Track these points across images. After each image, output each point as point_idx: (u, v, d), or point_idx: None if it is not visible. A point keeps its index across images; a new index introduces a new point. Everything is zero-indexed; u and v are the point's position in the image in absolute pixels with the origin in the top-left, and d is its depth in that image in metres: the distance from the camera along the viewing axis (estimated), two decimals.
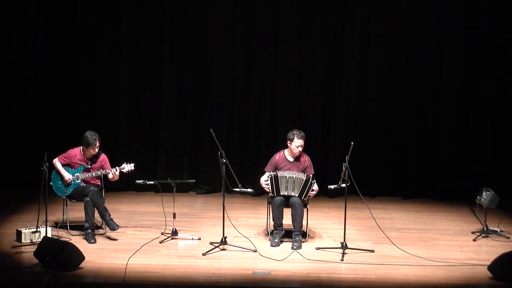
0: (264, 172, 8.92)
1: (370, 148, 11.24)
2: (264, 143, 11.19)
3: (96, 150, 8.87)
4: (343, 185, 8.43)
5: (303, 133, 8.75)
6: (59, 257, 7.49)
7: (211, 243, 8.51)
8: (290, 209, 8.64)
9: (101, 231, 8.96)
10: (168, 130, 11.32)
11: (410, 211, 10.56)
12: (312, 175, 8.73)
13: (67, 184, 8.86)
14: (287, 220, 8.72)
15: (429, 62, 11.19)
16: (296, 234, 8.58)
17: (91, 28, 11.10)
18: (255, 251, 8.35)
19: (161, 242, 8.68)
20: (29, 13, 11.06)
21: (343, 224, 8.50)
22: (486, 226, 9.20)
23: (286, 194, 8.64)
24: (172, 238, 8.80)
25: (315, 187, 8.69)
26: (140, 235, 8.95)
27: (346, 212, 8.51)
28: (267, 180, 8.68)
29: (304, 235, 8.76)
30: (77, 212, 9.19)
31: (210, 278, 7.56)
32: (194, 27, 11.15)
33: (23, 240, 8.40)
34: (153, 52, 11.20)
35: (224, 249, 8.40)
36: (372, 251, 8.49)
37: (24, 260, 7.95)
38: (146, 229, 9.17)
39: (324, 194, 10.85)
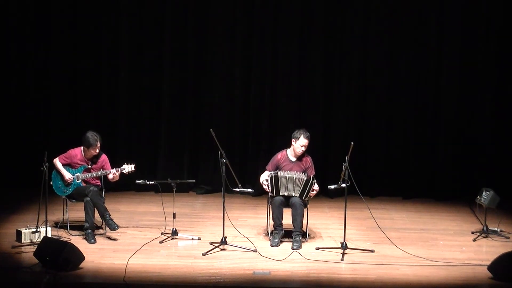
0: (264, 170, 8.93)
1: (370, 148, 11.25)
2: (264, 143, 11.19)
3: (97, 150, 8.87)
4: (343, 185, 8.43)
5: (308, 134, 8.75)
6: (59, 257, 7.48)
7: (211, 243, 8.51)
8: (290, 209, 8.65)
9: (101, 231, 8.96)
10: (168, 130, 11.32)
11: (410, 211, 10.56)
12: (313, 175, 8.74)
13: (67, 184, 8.86)
14: (287, 220, 8.72)
15: (429, 62, 11.19)
16: (296, 234, 8.58)
17: (91, 28, 11.10)
18: (255, 251, 8.35)
19: (161, 242, 8.68)
20: (30, 12, 11.06)
21: (343, 224, 8.50)
22: (486, 226, 9.20)
23: (285, 195, 8.64)
24: (172, 238, 8.80)
25: (316, 187, 8.69)
26: (140, 235, 8.95)
27: (346, 212, 8.51)
28: (267, 180, 8.68)
29: (304, 235, 8.76)
30: (77, 212, 9.18)
31: (210, 278, 7.56)
32: (194, 27, 11.15)
33: (23, 240, 8.40)
34: (153, 52, 11.20)
35: (224, 249, 8.40)
36: (372, 251, 8.49)
37: (24, 260, 7.95)
38: (146, 229, 9.18)
39: (324, 194, 10.85)
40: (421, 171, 11.28)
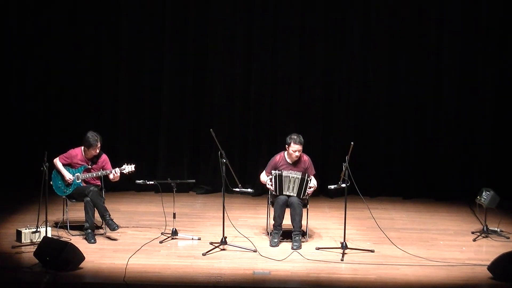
0: (263, 171, 8.92)
1: (370, 148, 11.24)
2: (264, 143, 11.19)
3: (98, 151, 8.87)
4: (343, 185, 8.43)
5: (301, 138, 8.71)
6: (59, 257, 7.49)
7: (211, 243, 8.52)
8: (289, 209, 8.64)
9: (101, 231, 8.97)
10: (168, 130, 11.31)
11: (410, 211, 10.56)
12: (314, 174, 8.74)
13: (67, 184, 8.86)
14: (286, 220, 8.71)
15: (429, 62, 11.19)
16: (296, 234, 8.58)
17: (91, 28, 11.09)
18: (255, 251, 8.35)
19: (161, 242, 8.68)
20: (30, 12, 11.06)
21: (343, 224, 8.51)
22: (486, 226, 9.20)
23: (288, 194, 8.63)
24: (172, 238, 8.80)
25: (312, 183, 8.68)
26: (140, 235, 8.95)
27: (346, 212, 8.51)
28: (271, 179, 8.66)
29: (303, 234, 8.76)
30: (77, 212, 9.18)
31: (210, 278, 7.56)
32: (194, 27, 11.15)
33: (23, 240, 8.40)
34: (153, 52, 11.20)
35: (224, 249, 8.40)
36: (372, 251, 8.49)
37: (24, 260, 7.96)
38: (146, 229, 9.17)
39: (324, 194, 10.86)
40: (421, 171, 11.28)
